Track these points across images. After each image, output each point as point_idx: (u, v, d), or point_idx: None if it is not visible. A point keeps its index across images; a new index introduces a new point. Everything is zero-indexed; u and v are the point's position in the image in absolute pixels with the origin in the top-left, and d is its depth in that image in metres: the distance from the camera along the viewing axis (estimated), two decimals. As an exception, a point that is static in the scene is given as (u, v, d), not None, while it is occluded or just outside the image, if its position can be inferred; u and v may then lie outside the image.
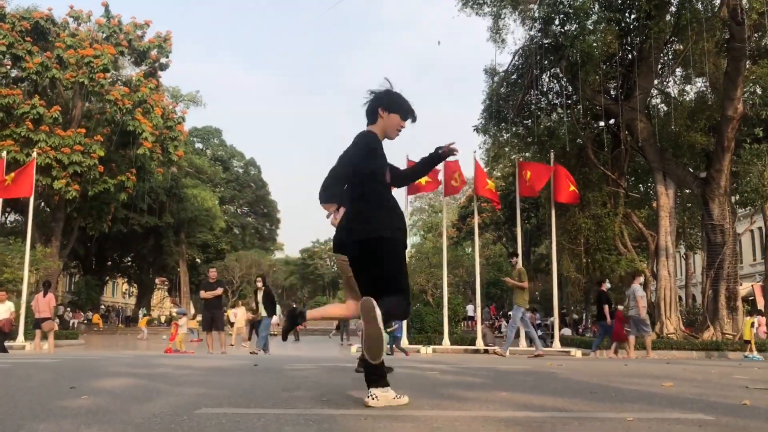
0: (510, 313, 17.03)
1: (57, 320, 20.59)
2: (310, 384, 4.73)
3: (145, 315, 43.49)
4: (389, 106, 3.64)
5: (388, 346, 15.84)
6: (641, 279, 16.96)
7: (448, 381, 5.16)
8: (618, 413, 3.30)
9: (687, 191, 23.43)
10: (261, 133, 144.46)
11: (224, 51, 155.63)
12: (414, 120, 3.74)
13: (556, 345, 18.47)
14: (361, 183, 3.53)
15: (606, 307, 15.68)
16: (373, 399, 3.32)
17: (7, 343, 16.51)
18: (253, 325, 17.84)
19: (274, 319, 16.82)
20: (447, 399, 3.84)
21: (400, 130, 3.70)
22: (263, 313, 15.66)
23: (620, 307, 18.13)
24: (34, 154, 21.43)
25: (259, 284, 16.15)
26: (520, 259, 14.27)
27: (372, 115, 3.66)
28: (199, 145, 63.80)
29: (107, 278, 54.01)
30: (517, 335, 16.07)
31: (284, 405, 3.43)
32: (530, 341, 15.69)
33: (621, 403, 3.74)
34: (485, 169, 21.88)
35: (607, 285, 16.66)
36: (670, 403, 3.82)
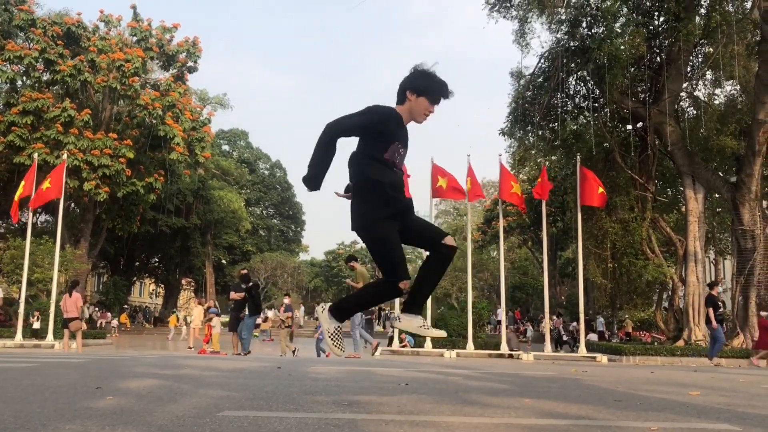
0: (541, 316, 16.91)
1: (86, 319, 20.84)
2: (333, 387, 4.73)
3: (174, 314, 43.96)
4: (417, 88, 3.48)
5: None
6: None
7: (471, 386, 5.13)
8: (642, 422, 3.25)
9: (716, 196, 23.05)
10: (287, 135, 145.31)
11: (250, 52, 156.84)
12: (447, 97, 3.56)
13: (582, 350, 18.26)
14: (355, 155, 3.50)
15: (711, 311, 15.18)
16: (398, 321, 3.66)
17: (36, 342, 16.81)
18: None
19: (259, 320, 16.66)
20: (470, 405, 3.82)
21: (427, 115, 3.55)
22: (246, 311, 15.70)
23: (763, 314, 17.43)
24: (64, 156, 21.79)
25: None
26: (358, 263, 14.41)
27: (401, 96, 3.54)
28: (225, 148, 64.39)
29: (135, 279, 54.66)
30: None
31: (306, 409, 3.43)
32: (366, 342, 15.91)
33: (645, 412, 3.68)
34: (512, 172, 21.73)
35: (719, 289, 15.84)
36: (696, 412, 3.75)
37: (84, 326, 16.85)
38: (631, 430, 2.99)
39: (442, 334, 3.73)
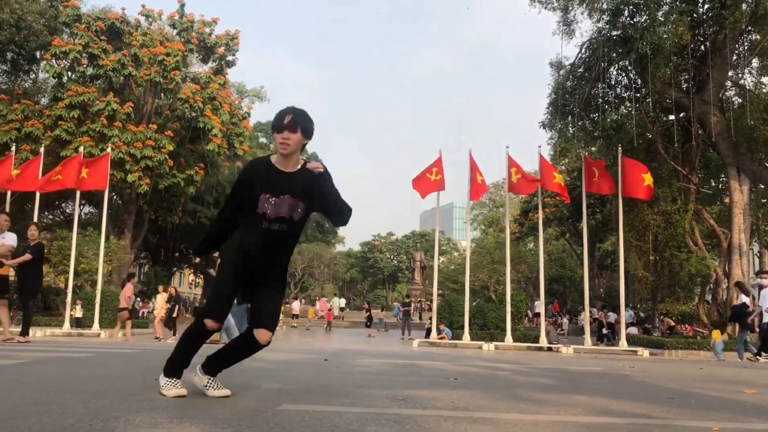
0: (580, 308, 16.65)
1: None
2: (384, 381, 4.78)
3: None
4: (272, 129, 3.65)
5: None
6: None
7: (521, 382, 5.13)
8: (702, 422, 3.22)
9: (762, 187, 22.52)
10: (321, 128, 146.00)
11: (285, 45, 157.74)
12: (286, 125, 3.46)
13: (623, 344, 18.05)
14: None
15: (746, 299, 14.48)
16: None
17: (80, 331, 17.16)
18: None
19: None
20: (523, 401, 3.83)
21: (283, 143, 3.46)
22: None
23: None
24: (108, 149, 22.25)
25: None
26: None
27: None
28: (262, 140, 64.90)
29: (174, 269, 55.56)
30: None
31: (362, 403, 3.48)
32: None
33: (703, 411, 3.65)
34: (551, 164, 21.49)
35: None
36: (756, 412, 3.70)
37: (126, 316, 17.18)
38: (692, 430, 2.97)
39: (226, 393, 3.60)
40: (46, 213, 36.44)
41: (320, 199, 3.56)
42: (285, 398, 3.61)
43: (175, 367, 3.59)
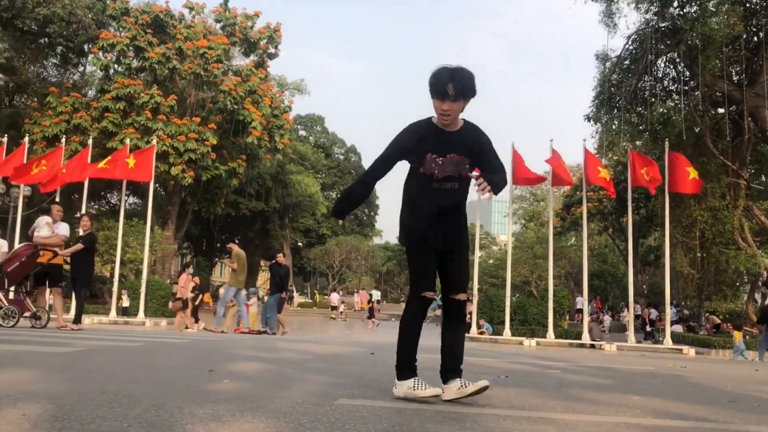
0: (623, 305, 16.42)
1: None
2: (432, 377, 4.77)
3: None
4: (430, 91, 3.40)
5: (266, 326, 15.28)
6: None
7: (572, 381, 5.07)
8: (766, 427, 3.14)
9: (816, 183, 21.86)
10: (361, 120, 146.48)
11: (325, 39, 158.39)
12: (445, 88, 3.31)
13: (668, 342, 17.70)
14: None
15: None
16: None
17: (126, 319, 17.40)
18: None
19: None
20: (578, 401, 3.78)
21: (443, 115, 3.38)
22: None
23: None
24: (154, 141, 22.62)
25: (281, 259, 15.90)
26: (236, 246, 15.28)
27: None
28: (302, 133, 65.38)
29: (216, 259, 56.45)
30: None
31: (417, 400, 3.47)
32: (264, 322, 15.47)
33: (767, 415, 3.55)
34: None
35: None
36: (823, 417, 3.59)
37: (178, 306, 17.43)
38: (761, 436, 2.89)
39: (433, 392, 3.42)
40: (92, 203, 37.29)
41: (481, 157, 3.53)
42: (340, 392, 3.63)
43: (403, 366, 3.50)
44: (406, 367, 3.50)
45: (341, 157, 69.80)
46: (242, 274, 14.79)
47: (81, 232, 10.49)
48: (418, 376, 3.48)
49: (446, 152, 3.44)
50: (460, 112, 3.44)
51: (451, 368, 3.54)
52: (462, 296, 3.52)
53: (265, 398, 3.26)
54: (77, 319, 10.17)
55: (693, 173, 16.64)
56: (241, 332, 15.32)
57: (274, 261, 15.84)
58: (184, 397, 3.19)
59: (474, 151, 3.50)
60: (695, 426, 3.06)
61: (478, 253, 21.86)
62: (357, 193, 3.75)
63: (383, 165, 3.58)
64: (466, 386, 3.39)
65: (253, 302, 18.64)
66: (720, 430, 2.98)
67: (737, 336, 15.26)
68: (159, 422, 2.50)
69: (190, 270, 18.98)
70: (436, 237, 3.48)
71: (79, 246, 10.00)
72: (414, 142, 3.48)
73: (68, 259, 10.27)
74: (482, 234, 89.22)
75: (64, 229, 10.05)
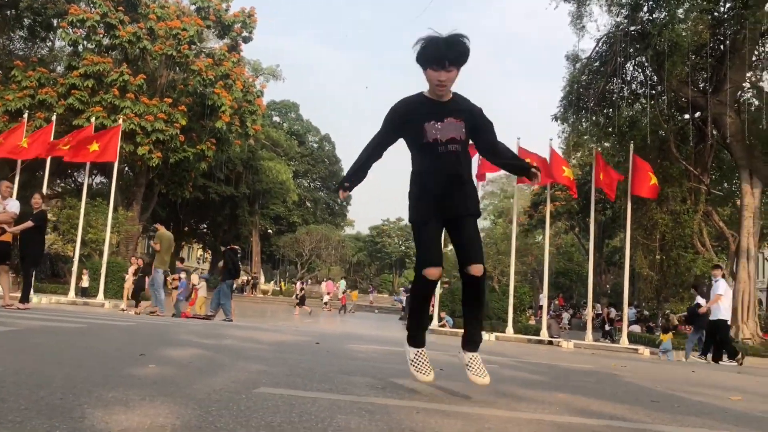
0: (585, 303, 16.63)
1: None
2: (369, 368, 4.80)
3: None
4: (419, 62, 3.36)
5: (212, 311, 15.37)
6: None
7: (506, 376, 5.14)
8: (677, 427, 3.21)
9: (774, 191, 22.31)
10: (335, 109, 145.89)
11: (302, 26, 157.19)
12: (445, 54, 3.26)
13: (624, 341, 18.01)
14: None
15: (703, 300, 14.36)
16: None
17: (85, 300, 17.16)
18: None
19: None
20: (503, 397, 3.83)
21: (440, 84, 3.36)
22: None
23: None
24: (120, 120, 22.28)
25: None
26: (162, 226, 15.37)
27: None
28: (276, 119, 64.94)
29: (183, 243, 55.90)
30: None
31: (340, 390, 3.49)
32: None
33: (682, 416, 3.63)
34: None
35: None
36: (734, 419, 3.68)
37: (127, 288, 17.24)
38: (665, 436, 2.96)
39: (484, 382, 3.60)
40: (59, 181, 36.69)
41: (475, 124, 3.57)
42: (265, 380, 3.62)
43: (415, 335, 3.66)
44: (411, 337, 3.68)
45: (315, 145, 69.50)
46: (167, 255, 14.71)
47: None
48: (423, 348, 3.66)
49: (443, 117, 3.46)
50: (454, 81, 3.45)
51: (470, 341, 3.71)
52: (478, 269, 3.52)
53: (184, 384, 3.25)
54: (24, 298, 10.01)
55: (653, 179, 16.93)
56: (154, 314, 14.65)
57: (228, 247, 15.86)
58: (103, 380, 3.16)
59: (467, 118, 3.52)
60: (606, 424, 3.12)
61: (446, 247, 21.99)
62: (361, 165, 3.72)
63: (379, 138, 3.64)
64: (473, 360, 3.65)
65: (202, 285, 18.38)
66: (629, 429, 3.04)
67: (664, 338, 15.71)
68: (59, 405, 2.47)
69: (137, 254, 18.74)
70: (444, 204, 3.49)
71: (29, 224, 9.83)
72: (409, 112, 3.50)
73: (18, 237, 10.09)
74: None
75: (13, 206, 9.86)
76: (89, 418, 2.29)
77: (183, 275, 17.74)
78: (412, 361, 3.63)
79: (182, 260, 21.26)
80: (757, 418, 3.87)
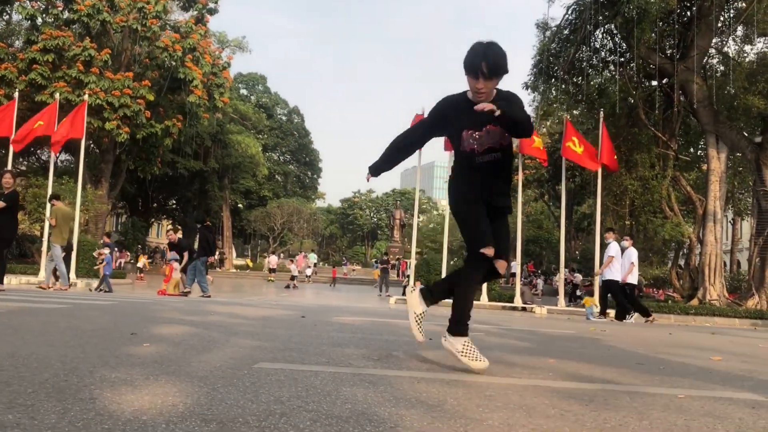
0: (555, 268, 16.86)
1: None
2: (359, 340, 4.84)
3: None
4: (465, 68, 3.45)
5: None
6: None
7: (493, 344, 5.23)
8: (667, 389, 3.31)
9: (739, 155, 22.76)
10: (303, 82, 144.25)
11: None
12: (479, 67, 3.35)
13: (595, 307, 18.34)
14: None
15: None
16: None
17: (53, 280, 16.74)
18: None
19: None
20: (495, 363, 3.90)
21: (477, 92, 3.44)
22: None
23: None
24: (86, 97, 21.78)
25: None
26: (59, 201, 14.74)
27: None
28: (243, 92, 64.09)
29: (152, 220, 55.25)
30: None
31: (338, 363, 3.53)
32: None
33: (669, 377, 3.75)
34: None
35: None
36: (720, 379, 3.81)
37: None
38: (659, 397, 3.05)
39: (482, 366, 3.47)
40: (21, 159, 35.87)
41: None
42: (262, 356, 3.65)
43: (466, 323, 3.59)
44: (464, 325, 3.59)
45: (284, 118, 68.85)
46: (65, 230, 14.52)
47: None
48: (468, 336, 3.59)
49: (482, 126, 3.51)
50: (494, 89, 3.50)
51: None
52: (502, 265, 3.64)
53: (183, 362, 3.25)
54: (-1, 280, 9.85)
55: (615, 153, 17.31)
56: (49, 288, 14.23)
57: (202, 224, 15.72)
58: (100, 360, 3.15)
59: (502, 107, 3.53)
60: (600, 388, 3.21)
61: (418, 218, 22.12)
62: (393, 154, 3.84)
63: (422, 128, 3.80)
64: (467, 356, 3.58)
65: (177, 267, 17.91)
66: (621, 392, 3.13)
67: (587, 302, 16.20)
68: (66, 387, 2.46)
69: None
70: (486, 196, 3.60)
71: (1, 204, 9.64)
72: (451, 111, 3.59)
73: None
74: (424, 198, 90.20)
75: (-16, 186, 9.65)
76: (99, 399, 2.29)
77: (107, 250, 17.65)
78: (462, 352, 3.49)
79: (108, 234, 21.01)
80: (738, 376, 4.01)
